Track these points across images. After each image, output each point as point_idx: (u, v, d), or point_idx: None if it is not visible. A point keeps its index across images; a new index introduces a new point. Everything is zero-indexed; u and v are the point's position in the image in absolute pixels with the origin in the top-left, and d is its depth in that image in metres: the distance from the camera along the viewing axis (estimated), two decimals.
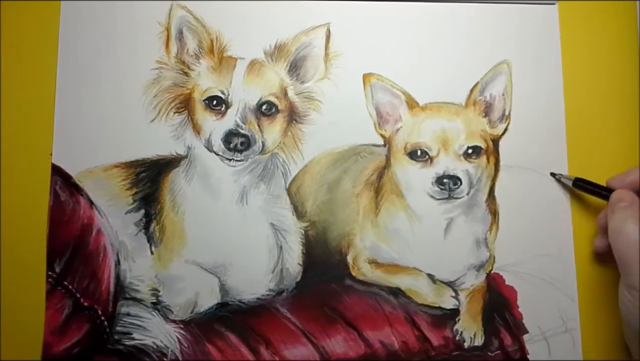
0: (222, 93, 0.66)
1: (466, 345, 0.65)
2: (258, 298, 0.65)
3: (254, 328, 0.64)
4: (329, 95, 0.68)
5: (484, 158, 0.67)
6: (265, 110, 0.66)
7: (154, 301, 0.64)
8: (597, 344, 0.66)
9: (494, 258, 0.67)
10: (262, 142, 0.65)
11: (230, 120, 0.65)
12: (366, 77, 0.68)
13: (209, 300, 0.64)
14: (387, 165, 0.68)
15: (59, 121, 0.66)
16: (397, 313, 0.65)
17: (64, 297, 0.63)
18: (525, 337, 0.66)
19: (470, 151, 0.66)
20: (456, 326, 0.66)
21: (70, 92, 0.66)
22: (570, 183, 0.67)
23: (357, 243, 0.67)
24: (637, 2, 0.71)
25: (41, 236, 0.64)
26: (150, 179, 0.66)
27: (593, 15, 0.71)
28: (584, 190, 0.66)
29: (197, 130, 0.66)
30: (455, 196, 0.66)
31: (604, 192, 0.64)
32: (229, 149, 0.65)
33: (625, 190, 0.62)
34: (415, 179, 0.66)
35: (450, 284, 0.67)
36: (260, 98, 0.66)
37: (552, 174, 0.68)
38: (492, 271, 0.67)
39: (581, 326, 0.66)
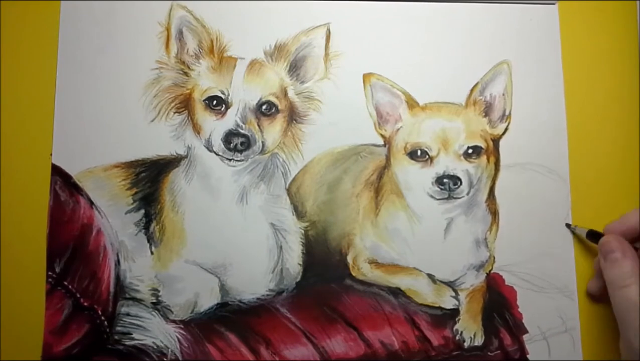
0: (222, 93, 0.66)
1: (466, 344, 0.65)
2: (258, 298, 0.65)
3: (254, 328, 0.64)
4: (329, 95, 0.68)
5: (484, 158, 0.67)
6: (265, 110, 0.66)
7: (154, 301, 0.64)
8: (596, 344, 0.66)
9: (494, 258, 0.67)
10: (262, 142, 0.65)
11: (230, 120, 0.65)
12: (366, 77, 0.68)
13: (209, 300, 0.64)
14: (387, 165, 0.68)
15: (59, 121, 0.66)
16: (397, 313, 0.65)
17: (64, 297, 0.63)
18: (525, 337, 0.66)
19: (470, 151, 0.66)
20: (456, 326, 0.66)
21: (70, 92, 0.66)
22: (584, 235, 0.65)
23: (357, 243, 0.67)
24: (637, 2, 0.71)
25: (41, 236, 0.64)
26: (150, 179, 0.66)
27: (593, 15, 0.71)
28: (596, 241, 0.63)
29: (197, 130, 0.66)
30: (455, 196, 0.66)
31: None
32: (229, 149, 0.65)
33: (614, 237, 0.60)
34: (415, 179, 0.66)
35: (450, 284, 0.67)
36: (260, 98, 0.66)
37: (568, 225, 0.67)
38: (492, 271, 0.67)
39: (581, 326, 0.66)
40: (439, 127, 0.67)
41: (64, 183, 0.65)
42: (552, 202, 0.68)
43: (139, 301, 0.64)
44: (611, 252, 0.59)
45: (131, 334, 0.63)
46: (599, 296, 0.64)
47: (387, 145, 0.68)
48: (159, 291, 0.64)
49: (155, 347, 0.63)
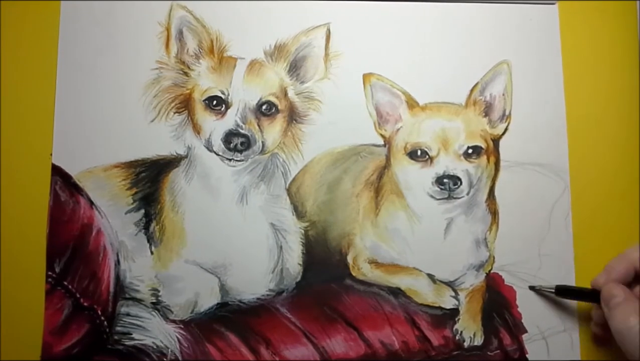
0: (222, 93, 0.65)
1: (466, 344, 0.65)
2: (258, 298, 0.65)
3: (254, 328, 0.64)
4: (329, 95, 0.68)
5: (484, 158, 0.67)
6: (265, 110, 0.66)
7: (154, 301, 0.64)
8: (595, 344, 0.66)
9: (494, 258, 0.67)
10: (262, 142, 0.65)
11: (230, 120, 0.65)
12: (366, 77, 0.68)
13: (209, 300, 0.64)
14: (387, 165, 0.68)
15: (59, 121, 0.66)
16: (397, 313, 0.65)
17: (63, 297, 0.63)
18: (524, 337, 0.66)
19: (470, 151, 0.66)
20: (456, 326, 0.66)
21: (70, 92, 0.66)
22: (552, 293, 0.64)
23: (357, 243, 0.67)
24: (637, 2, 0.71)
25: (41, 236, 0.64)
26: (150, 179, 0.66)
27: (593, 15, 0.71)
28: (568, 297, 0.64)
29: (197, 130, 0.66)
30: (455, 196, 0.66)
31: (590, 294, 0.62)
32: (229, 149, 0.65)
33: (614, 284, 0.59)
34: (415, 179, 0.67)
35: (450, 284, 0.67)
36: (260, 99, 0.66)
37: (531, 287, 0.66)
38: (492, 271, 0.67)
39: (579, 326, 0.66)
40: (438, 127, 0.67)
41: (64, 183, 0.65)
42: (552, 202, 0.68)
43: (139, 301, 0.64)
44: (613, 297, 0.58)
45: (131, 334, 0.63)
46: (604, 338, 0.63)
47: (387, 145, 0.68)
48: (159, 291, 0.64)
49: (155, 347, 0.63)
